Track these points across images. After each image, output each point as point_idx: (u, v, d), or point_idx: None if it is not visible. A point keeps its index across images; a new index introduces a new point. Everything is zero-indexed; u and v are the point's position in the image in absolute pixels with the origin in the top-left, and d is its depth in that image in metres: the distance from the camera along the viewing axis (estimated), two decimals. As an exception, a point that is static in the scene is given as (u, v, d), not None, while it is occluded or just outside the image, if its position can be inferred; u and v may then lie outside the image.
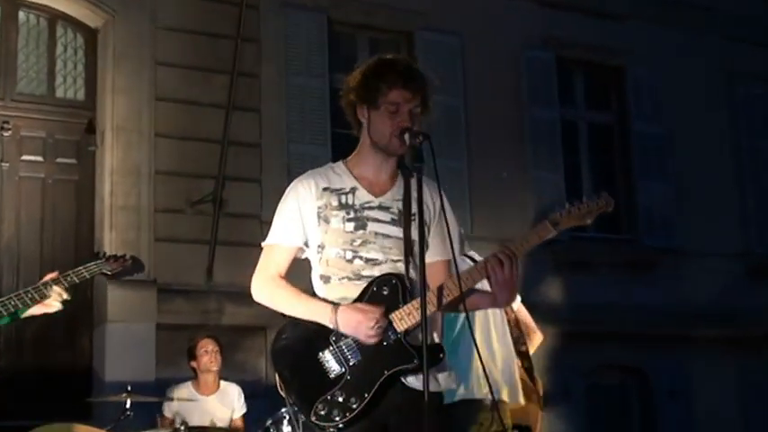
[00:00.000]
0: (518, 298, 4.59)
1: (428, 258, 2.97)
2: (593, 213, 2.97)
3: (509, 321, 4.47)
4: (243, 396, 6.24)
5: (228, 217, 7.38)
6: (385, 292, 2.89)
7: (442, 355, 2.88)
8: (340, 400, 2.84)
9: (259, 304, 3.02)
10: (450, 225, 2.95)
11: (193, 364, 6.15)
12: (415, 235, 2.93)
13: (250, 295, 3.04)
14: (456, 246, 2.98)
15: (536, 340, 4.81)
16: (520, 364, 4.46)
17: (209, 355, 6.09)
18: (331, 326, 2.86)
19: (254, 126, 7.80)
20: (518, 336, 4.58)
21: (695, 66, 9.93)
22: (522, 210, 8.60)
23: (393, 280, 2.90)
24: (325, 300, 2.94)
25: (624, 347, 8.86)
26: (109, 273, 3.89)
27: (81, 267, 3.76)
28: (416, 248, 2.92)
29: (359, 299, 2.90)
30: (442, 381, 2.95)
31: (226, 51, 7.54)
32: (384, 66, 2.99)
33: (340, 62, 8.00)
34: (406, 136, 2.91)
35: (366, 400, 2.83)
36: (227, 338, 6.72)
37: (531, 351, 4.71)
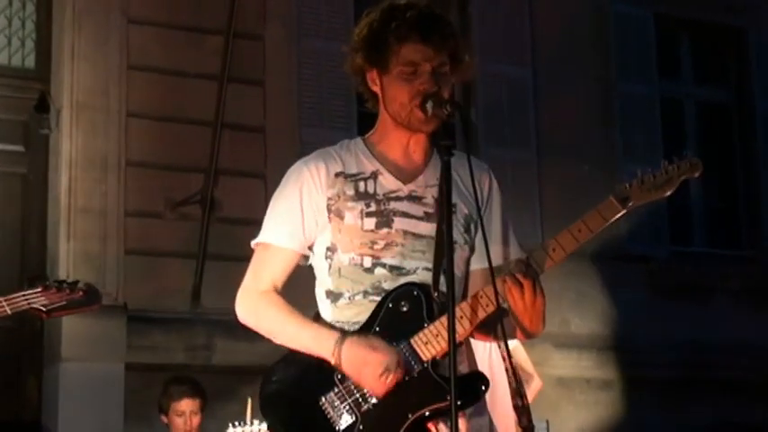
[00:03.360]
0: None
1: (472, 265, 3.02)
2: (675, 181, 2.93)
3: (506, 369, 4.49)
4: (232, 461, 6.12)
5: (222, 223, 7.33)
6: (404, 309, 2.88)
7: (483, 388, 2.86)
8: None
9: (261, 337, 3.00)
10: (493, 220, 2.99)
11: (164, 419, 6.11)
12: (454, 235, 2.93)
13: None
14: (498, 248, 3.01)
15: (535, 387, 4.91)
16: (517, 422, 4.47)
17: (183, 417, 6.01)
18: (332, 361, 2.85)
19: (256, 104, 7.78)
20: (516, 387, 4.56)
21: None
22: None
23: (414, 292, 2.89)
24: (331, 325, 2.93)
25: (746, 401, 8.77)
26: (43, 309, 3.75)
27: (1, 299, 3.68)
28: (456, 252, 2.93)
29: (371, 319, 2.89)
30: (481, 428, 2.94)
31: (219, 5, 7.47)
32: (392, 13, 2.97)
33: (367, 18, 8.02)
34: (429, 105, 2.88)
35: None
36: (219, 383, 6.71)
37: (530, 400, 4.76)
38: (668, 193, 2.93)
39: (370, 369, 2.79)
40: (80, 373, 6.82)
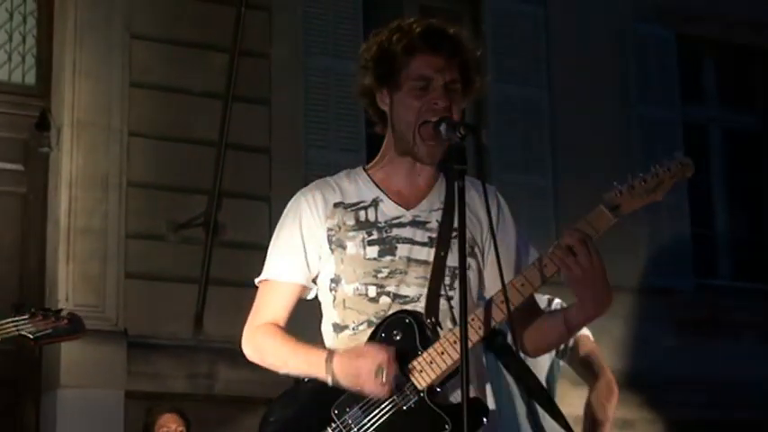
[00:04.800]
0: (588, 333, 4.53)
1: (486, 294, 3.03)
2: (667, 184, 2.92)
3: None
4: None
5: (225, 247, 7.48)
6: (397, 337, 2.91)
7: (484, 418, 2.85)
8: None
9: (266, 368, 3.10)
10: (508, 243, 2.99)
11: None
12: (456, 260, 2.91)
13: None
14: (511, 274, 2.97)
15: (614, 402, 4.77)
16: None
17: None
18: (328, 379, 2.89)
19: (261, 124, 7.92)
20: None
21: None
22: (629, 242, 8.49)
23: (406, 320, 2.92)
24: (320, 346, 2.99)
25: None
26: (31, 337, 3.90)
27: None
28: (458, 277, 2.91)
29: None
30: None
31: (225, 22, 7.62)
32: (400, 29, 3.00)
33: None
34: (443, 127, 2.89)
35: None
36: (222, 412, 6.83)
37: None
38: (660, 198, 2.92)
39: (364, 376, 2.82)
40: (78, 400, 6.90)
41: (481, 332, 2.89)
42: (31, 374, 7.19)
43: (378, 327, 2.94)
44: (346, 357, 2.88)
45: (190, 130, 7.68)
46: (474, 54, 3.04)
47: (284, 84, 8.06)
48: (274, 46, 8.09)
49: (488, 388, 3.07)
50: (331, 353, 2.91)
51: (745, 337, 9.06)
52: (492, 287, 3.02)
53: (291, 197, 3.17)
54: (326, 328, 3.07)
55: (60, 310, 4.04)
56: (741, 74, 9.92)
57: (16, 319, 3.92)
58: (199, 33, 7.81)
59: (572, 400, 8.34)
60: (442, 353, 2.88)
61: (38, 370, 7.19)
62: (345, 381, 2.88)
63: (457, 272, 2.94)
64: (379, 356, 2.83)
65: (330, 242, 3.02)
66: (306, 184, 3.20)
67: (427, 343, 2.90)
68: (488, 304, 2.94)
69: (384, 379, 2.82)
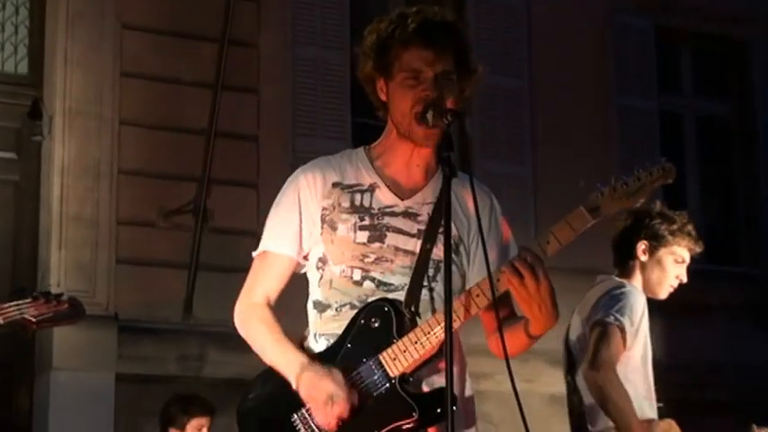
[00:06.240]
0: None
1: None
2: (647, 189, 2.88)
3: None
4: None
5: (215, 233, 7.43)
6: (375, 325, 2.91)
7: (439, 410, 2.81)
8: None
9: (252, 349, 3.08)
10: (494, 241, 2.97)
11: None
12: (441, 254, 2.91)
13: (241, 338, 3.10)
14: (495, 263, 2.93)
15: None
16: None
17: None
18: (294, 387, 2.91)
19: (250, 112, 7.87)
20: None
21: None
22: (605, 226, 8.49)
23: (385, 308, 2.91)
24: (301, 349, 2.98)
25: (744, 421, 8.75)
26: (33, 320, 3.83)
27: None
28: (440, 270, 2.93)
29: (344, 334, 2.96)
30: None
31: (214, 12, 7.55)
32: (398, 20, 2.99)
33: (364, 29, 8.02)
34: (429, 114, 2.89)
35: None
36: (211, 395, 6.71)
37: None
38: (641, 202, 2.91)
39: (315, 405, 2.86)
40: (71, 383, 6.86)
41: (455, 324, 2.83)
42: (25, 357, 7.16)
43: (358, 313, 2.93)
44: (314, 376, 2.87)
45: (180, 119, 7.61)
46: (468, 44, 3.03)
47: (272, 73, 8.01)
48: (263, 36, 8.02)
49: (467, 376, 3.06)
50: (305, 366, 2.90)
51: (716, 319, 9.01)
52: (477, 280, 2.98)
53: (279, 184, 3.15)
54: (310, 305, 3.07)
55: (61, 294, 3.95)
56: (716, 64, 9.91)
57: (18, 302, 3.83)
58: (188, 24, 7.75)
59: (548, 379, 8.34)
60: (416, 342, 2.86)
61: (31, 353, 7.17)
62: (303, 395, 2.89)
63: (440, 265, 2.93)
64: (336, 389, 2.84)
65: (323, 221, 3.01)
66: (293, 172, 3.15)
67: (403, 332, 2.89)
68: (466, 296, 2.91)
69: (330, 411, 2.84)
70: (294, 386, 2.89)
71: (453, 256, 2.93)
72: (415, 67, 2.94)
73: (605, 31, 9.20)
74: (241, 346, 3.12)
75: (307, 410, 2.90)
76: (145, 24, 7.65)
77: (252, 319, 3.04)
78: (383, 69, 3.00)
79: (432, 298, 2.95)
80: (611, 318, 4.63)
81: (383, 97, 3.04)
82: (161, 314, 7.34)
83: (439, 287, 2.95)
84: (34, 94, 7.47)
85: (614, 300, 4.70)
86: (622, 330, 4.63)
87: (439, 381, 2.90)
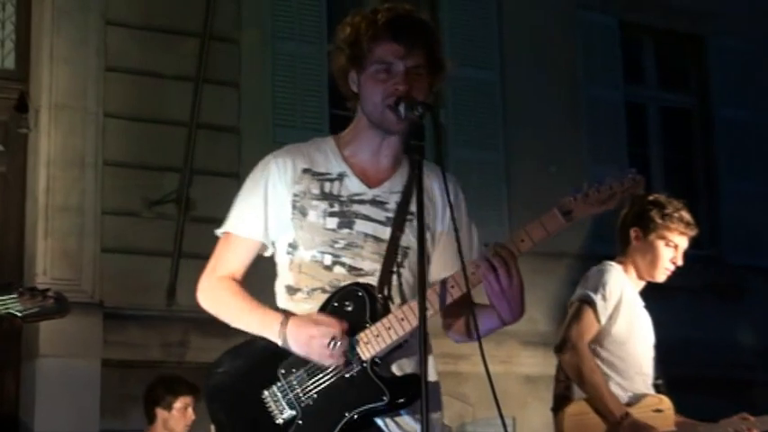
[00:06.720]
0: None
1: (432, 275, 2.98)
2: (617, 197, 2.90)
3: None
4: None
5: (197, 222, 7.26)
6: (348, 309, 2.87)
7: (411, 393, 2.80)
8: None
9: (234, 334, 2.99)
10: (461, 231, 2.93)
11: (163, 414, 6.05)
12: (408, 240, 2.94)
13: (223, 324, 3.00)
14: (468, 255, 2.96)
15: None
16: None
17: (187, 410, 6.03)
18: (279, 342, 2.85)
19: (231, 105, 7.79)
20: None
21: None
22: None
23: (359, 293, 2.88)
24: (277, 309, 2.94)
25: (709, 398, 8.45)
26: (19, 315, 3.79)
27: None
28: (409, 256, 2.94)
29: None
30: (435, 421, 2.92)
31: (196, 8, 7.51)
32: (371, 15, 2.98)
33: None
34: (401, 107, 2.86)
35: None
36: (193, 379, 6.54)
37: None
38: (610, 208, 2.92)
39: (317, 342, 2.78)
40: (57, 369, 6.77)
41: (429, 313, 2.78)
42: (12, 345, 7.06)
43: (331, 296, 2.90)
44: (301, 324, 2.83)
45: (162, 112, 7.56)
46: (438, 41, 3.02)
47: (252, 67, 7.96)
48: (243, 32, 7.97)
49: (431, 360, 2.99)
50: (287, 317, 2.86)
51: (678, 300, 8.88)
52: (436, 273, 3.00)
53: (255, 167, 3.10)
54: (280, 289, 3.02)
55: (47, 289, 3.92)
56: (677, 58, 9.96)
57: (4, 297, 3.80)
58: (171, 19, 7.68)
59: (523, 360, 8.23)
60: (389, 328, 2.84)
61: (18, 340, 7.07)
62: (296, 346, 2.83)
63: (408, 251, 2.95)
64: (333, 328, 2.80)
65: (294, 207, 2.97)
66: (270, 161, 3.04)
67: (376, 316, 2.86)
68: (442, 286, 2.89)
69: (335, 350, 2.79)
70: (280, 340, 2.84)
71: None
72: (387, 60, 2.92)
73: (573, 25, 9.22)
74: (223, 332, 3.06)
75: (281, 386, 2.85)
76: (128, 20, 7.58)
77: (218, 290, 2.99)
78: (356, 62, 2.97)
79: (400, 283, 2.95)
80: (583, 295, 4.68)
81: (354, 88, 3.01)
82: (145, 301, 7.27)
83: (406, 273, 2.95)
84: (21, 88, 7.37)
85: (589, 279, 4.75)
86: (592, 305, 4.64)
87: (407, 364, 2.91)
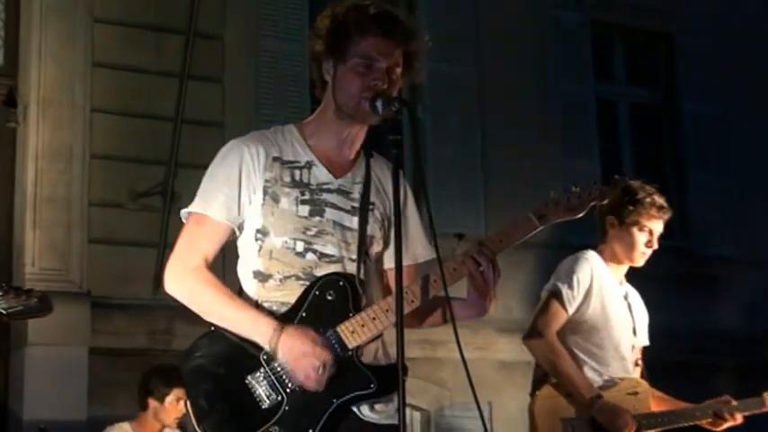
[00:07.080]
0: None
1: (386, 263, 3.05)
2: (585, 204, 3.10)
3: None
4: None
5: None
6: (330, 298, 2.86)
7: (394, 381, 2.77)
8: None
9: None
10: (413, 217, 3.05)
11: (155, 404, 5.94)
12: (372, 229, 2.98)
13: None
14: (424, 242, 3.08)
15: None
16: None
17: (181, 401, 5.88)
18: (267, 347, 2.80)
19: (215, 100, 7.81)
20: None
21: (762, 33, 9.96)
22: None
23: (341, 282, 2.88)
24: (269, 312, 2.87)
25: (679, 384, 8.76)
26: (4, 313, 3.77)
27: None
28: (373, 245, 2.99)
29: (297, 304, 2.87)
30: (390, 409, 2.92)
31: (181, 6, 7.51)
32: (357, 9, 2.95)
33: (322, 22, 8.00)
34: (379, 103, 2.87)
35: None
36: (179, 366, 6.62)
37: None
38: (579, 215, 3.10)
39: (308, 361, 2.76)
40: (45, 358, 6.75)
41: (414, 304, 2.88)
42: (1, 335, 7.02)
43: (312, 285, 2.87)
44: (298, 337, 2.79)
45: (148, 107, 7.53)
46: (421, 44, 3.01)
47: (237, 63, 7.96)
48: (227, 29, 7.97)
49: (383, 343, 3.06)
50: (282, 325, 2.81)
51: (650, 288, 8.92)
52: (388, 260, 3.05)
53: (221, 151, 3.07)
54: (246, 275, 2.95)
55: (31, 289, 3.88)
56: (646, 55, 9.99)
57: None
58: (156, 17, 7.67)
59: (498, 347, 8.26)
60: (374, 319, 2.84)
61: (7, 329, 7.02)
62: (285, 356, 2.79)
63: (372, 240, 2.99)
64: (327, 354, 2.78)
65: (265, 193, 2.92)
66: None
67: (359, 306, 2.87)
68: (424, 280, 2.93)
69: (321, 376, 2.78)
70: (269, 347, 2.79)
71: (379, 230, 3.01)
72: (370, 54, 2.90)
73: (546, 25, 9.23)
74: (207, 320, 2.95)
75: (265, 371, 2.81)
76: (115, 18, 7.56)
77: (198, 282, 2.88)
78: (335, 52, 2.94)
79: (366, 270, 2.97)
80: (550, 286, 4.73)
81: (326, 77, 2.98)
82: (131, 291, 7.23)
83: (369, 261, 2.99)
84: (9, 83, 7.36)
85: (559, 269, 4.79)
86: (558, 296, 4.66)
87: (384, 351, 2.95)
